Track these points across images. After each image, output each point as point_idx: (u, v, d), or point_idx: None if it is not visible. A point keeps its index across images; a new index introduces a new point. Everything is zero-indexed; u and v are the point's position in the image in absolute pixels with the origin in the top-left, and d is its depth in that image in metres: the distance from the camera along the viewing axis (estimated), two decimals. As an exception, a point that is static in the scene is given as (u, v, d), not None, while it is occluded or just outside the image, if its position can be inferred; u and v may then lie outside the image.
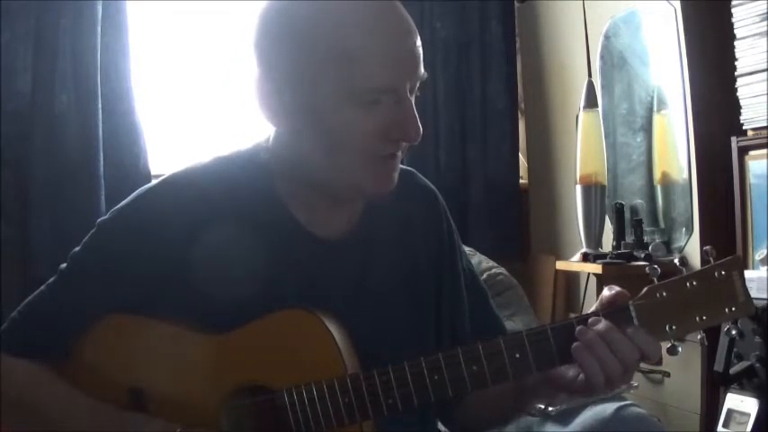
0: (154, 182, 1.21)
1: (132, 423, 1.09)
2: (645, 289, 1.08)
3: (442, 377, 1.07)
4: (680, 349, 1.08)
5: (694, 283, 1.07)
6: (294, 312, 1.11)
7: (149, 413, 1.11)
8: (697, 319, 1.07)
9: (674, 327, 1.07)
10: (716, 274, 1.07)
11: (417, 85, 1.11)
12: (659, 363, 2.31)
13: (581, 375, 1.08)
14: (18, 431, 1.14)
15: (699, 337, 1.11)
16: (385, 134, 1.09)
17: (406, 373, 1.07)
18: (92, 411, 1.10)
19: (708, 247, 1.09)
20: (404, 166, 1.32)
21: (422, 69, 1.11)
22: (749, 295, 1.08)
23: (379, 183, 1.13)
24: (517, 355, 1.07)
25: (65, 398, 1.12)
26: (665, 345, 1.08)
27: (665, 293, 1.07)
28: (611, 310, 1.08)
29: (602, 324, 1.06)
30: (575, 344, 1.06)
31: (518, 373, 1.08)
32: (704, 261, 1.10)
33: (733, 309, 1.07)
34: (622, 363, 1.05)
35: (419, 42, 1.11)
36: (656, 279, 1.08)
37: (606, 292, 1.11)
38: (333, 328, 1.10)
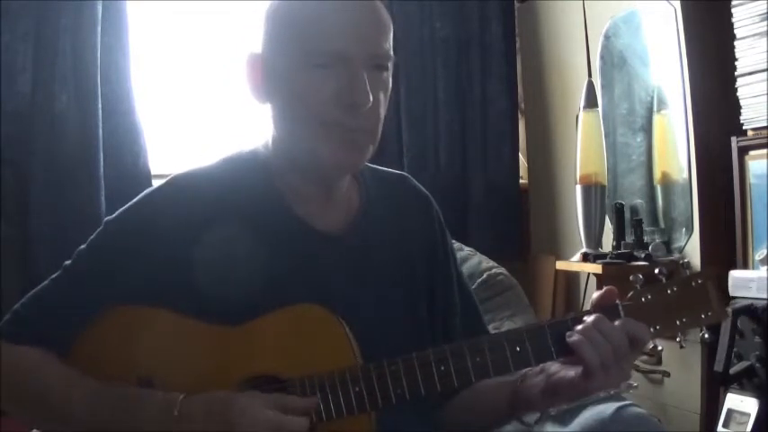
0: (160, 182, 1.23)
1: (136, 398, 1.10)
2: (630, 293, 1.18)
3: (448, 367, 1.11)
4: (660, 348, 1.21)
5: (674, 288, 1.18)
6: (307, 307, 1.14)
7: None
8: (677, 321, 1.18)
9: (657, 327, 1.17)
10: (693, 282, 1.18)
11: (383, 62, 1.15)
12: (659, 363, 2.31)
13: (579, 369, 1.12)
14: (23, 415, 1.14)
15: (677, 339, 1.20)
16: (335, 99, 1.12)
17: (414, 363, 1.11)
18: (97, 393, 1.11)
19: (684, 260, 1.23)
20: (397, 171, 1.37)
21: (383, 46, 1.15)
22: (723, 303, 1.20)
23: (337, 154, 1.15)
24: (518, 349, 1.13)
25: (70, 380, 1.12)
26: (649, 344, 1.18)
27: (649, 297, 1.17)
28: (601, 309, 1.16)
29: (593, 315, 1.13)
30: (569, 332, 1.12)
31: (518, 365, 1.14)
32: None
33: (709, 314, 1.18)
34: (614, 347, 1.11)
35: (383, 21, 1.16)
36: (638, 286, 1.18)
37: (596, 294, 1.19)
38: (344, 324, 1.13)
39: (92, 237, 1.21)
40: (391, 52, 1.17)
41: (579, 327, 1.12)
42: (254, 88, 1.20)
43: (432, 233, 1.32)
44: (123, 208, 1.21)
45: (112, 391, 1.11)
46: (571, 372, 1.13)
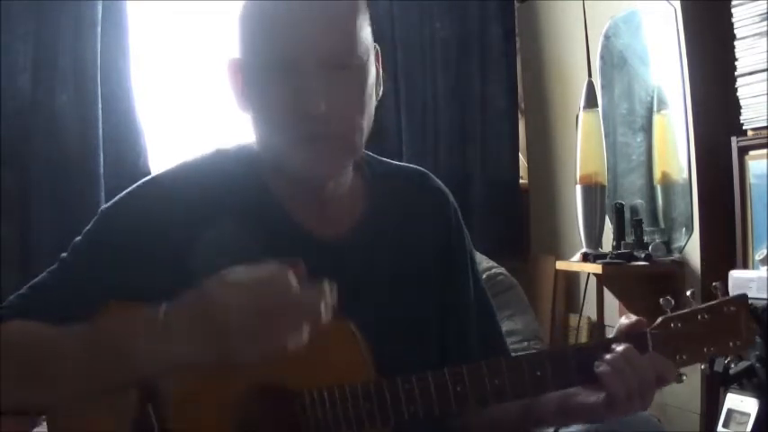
0: (156, 172, 1.21)
1: (120, 326, 1.02)
2: (660, 319, 1.13)
3: (464, 389, 1.08)
4: (685, 377, 1.12)
5: (705, 316, 1.13)
6: None
7: (162, 408, 1.08)
8: (705, 350, 1.13)
9: (684, 356, 1.12)
10: (725, 309, 1.13)
11: (343, 61, 1.07)
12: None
13: (601, 396, 1.09)
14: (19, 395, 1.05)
15: (702, 367, 1.17)
16: (292, 108, 1.06)
17: (430, 384, 1.08)
18: (83, 333, 1.03)
19: (717, 283, 1.15)
20: (414, 167, 1.31)
21: (340, 44, 1.07)
22: (752, 330, 1.15)
23: (307, 166, 1.09)
24: (538, 373, 1.09)
25: (55, 330, 1.04)
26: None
27: (678, 325, 1.13)
28: (629, 336, 1.12)
29: (623, 345, 1.10)
30: (597, 362, 1.09)
31: (536, 390, 1.10)
32: (710, 296, 1.16)
33: (738, 343, 1.14)
34: (641, 383, 1.08)
35: (343, 16, 1.08)
36: (669, 310, 1.13)
37: (624, 320, 1.15)
38: (357, 334, 1.09)
39: (88, 227, 1.17)
40: (357, 48, 1.08)
41: (608, 356, 1.09)
42: (235, 95, 1.14)
43: (446, 233, 1.25)
44: (118, 197, 1.18)
45: (96, 326, 1.03)
46: (592, 397, 1.10)
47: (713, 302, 1.14)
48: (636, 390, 1.08)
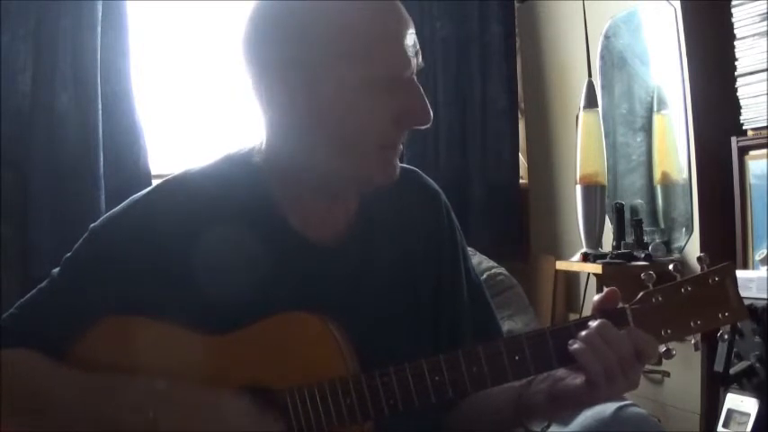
0: (147, 188, 1.20)
1: (114, 388, 1.09)
2: (640, 294, 1.10)
3: (442, 378, 1.07)
4: (674, 353, 1.09)
5: (689, 288, 1.09)
6: (297, 314, 1.11)
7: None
8: (692, 323, 1.09)
9: (669, 331, 1.09)
10: (710, 280, 1.09)
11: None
12: (659, 363, 2.31)
13: (583, 377, 1.07)
14: (20, 422, 1.11)
15: (693, 341, 1.12)
16: (399, 120, 1.10)
17: (407, 375, 1.08)
18: (78, 381, 1.10)
19: (702, 254, 1.11)
20: (407, 166, 1.31)
21: (417, 62, 1.12)
22: (742, 301, 1.10)
23: (386, 173, 1.14)
24: (516, 357, 1.08)
25: (54, 370, 1.11)
26: (661, 348, 1.10)
27: (660, 298, 1.09)
28: (607, 313, 1.09)
29: (598, 321, 1.07)
30: (571, 340, 1.07)
31: (517, 374, 1.09)
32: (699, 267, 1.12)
33: (726, 314, 1.09)
34: (620, 359, 1.05)
35: (416, 37, 1.13)
36: (651, 285, 1.10)
37: (596, 297, 1.12)
38: (335, 331, 1.10)
39: (78, 245, 1.18)
40: None
41: (582, 333, 1.06)
42: (266, 108, 1.13)
43: (439, 231, 1.26)
44: (108, 214, 1.18)
45: (94, 379, 1.09)
46: (576, 380, 1.07)
47: (697, 274, 1.10)
48: (615, 366, 1.04)
